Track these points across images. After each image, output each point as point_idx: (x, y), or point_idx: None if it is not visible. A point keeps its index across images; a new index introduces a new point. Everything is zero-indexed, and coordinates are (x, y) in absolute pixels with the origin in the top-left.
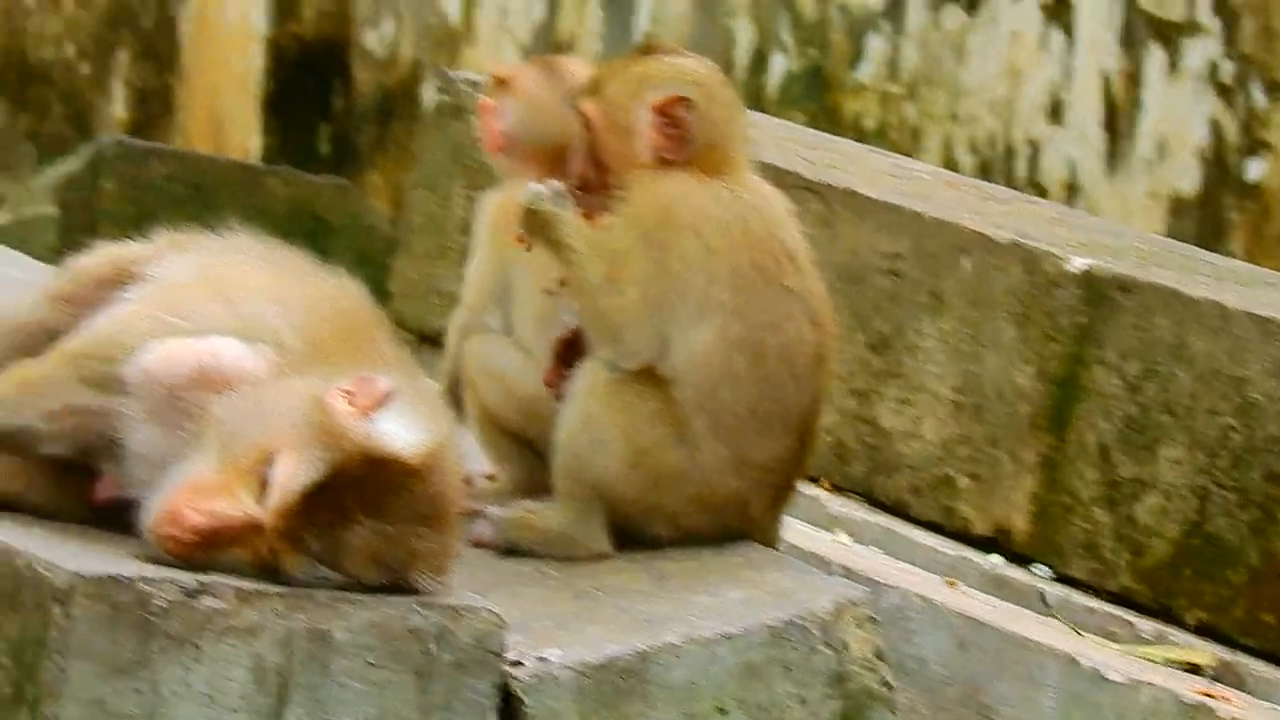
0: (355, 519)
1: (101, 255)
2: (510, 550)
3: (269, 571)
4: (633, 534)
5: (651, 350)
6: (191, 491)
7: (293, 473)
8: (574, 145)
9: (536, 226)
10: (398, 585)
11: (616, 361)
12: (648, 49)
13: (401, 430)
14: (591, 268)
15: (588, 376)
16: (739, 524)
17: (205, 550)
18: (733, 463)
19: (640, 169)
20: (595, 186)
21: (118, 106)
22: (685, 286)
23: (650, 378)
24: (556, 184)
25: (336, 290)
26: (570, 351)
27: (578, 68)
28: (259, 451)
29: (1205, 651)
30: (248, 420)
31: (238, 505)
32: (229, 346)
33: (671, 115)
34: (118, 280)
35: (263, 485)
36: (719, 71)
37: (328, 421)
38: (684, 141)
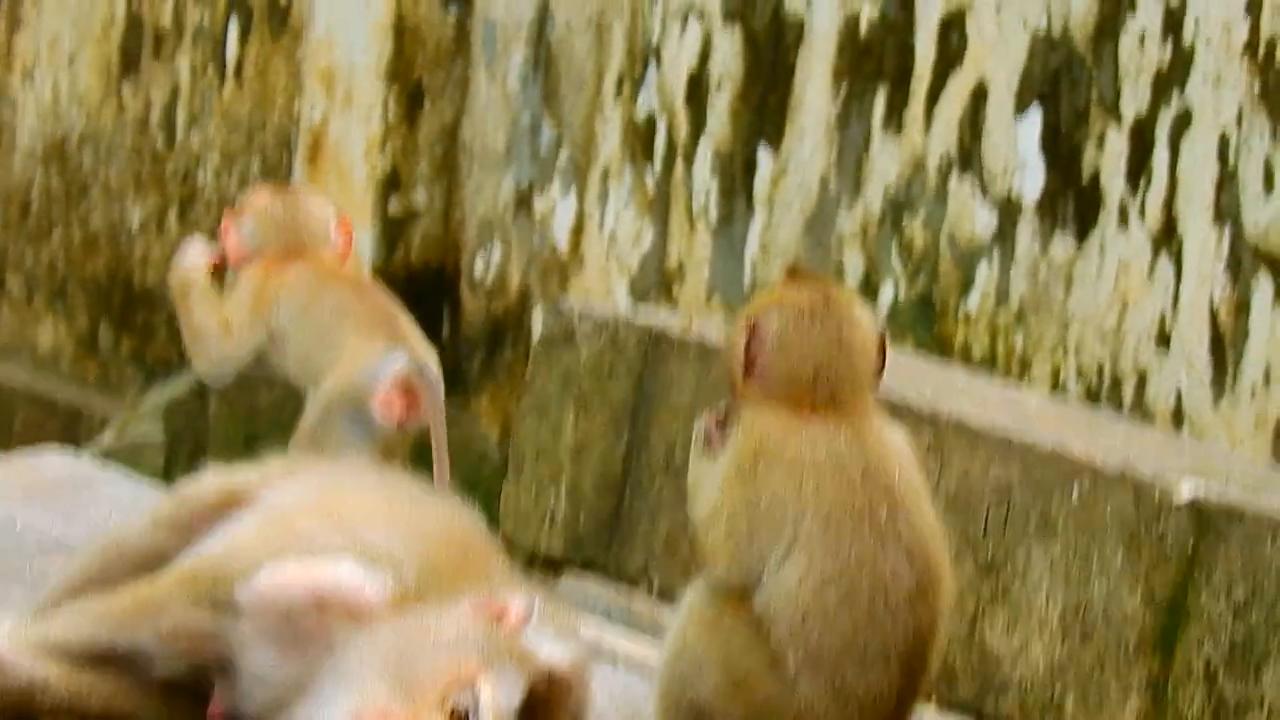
0: None
1: (212, 480)
2: None
3: None
4: None
5: (742, 580)
6: None
7: (499, 698)
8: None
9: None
10: None
11: (717, 584)
12: (790, 274)
13: (560, 646)
14: (698, 499)
15: (690, 601)
16: None
17: None
18: (830, 696)
19: (749, 399)
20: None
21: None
22: (775, 523)
23: (749, 608)
24: (707, 419)
25: (449, 515)
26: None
27: (316, 201)
28: (444, 679)
29: None
30: (416, 651)
31: None
32: (347, 570)
33: (749, 344)
34: (229, 505)
35: (451, 713)
36: (831, 306)
37: (514, 644)
38: (756, 368)
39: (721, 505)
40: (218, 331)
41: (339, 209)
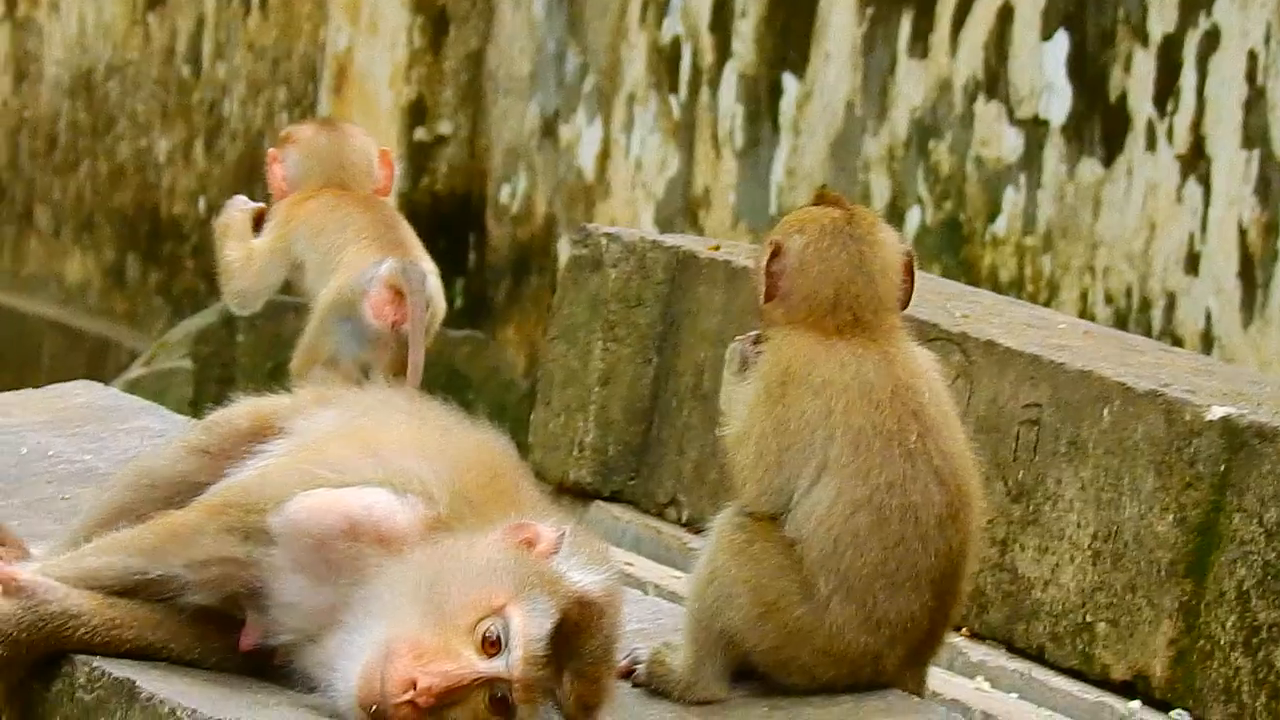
0: (565, 664)
1: (243, 408)
2: (644, 685)
3: None
4: (773, 683)
5: (773, 503)
6: (414, 656)
7: (529, 626)
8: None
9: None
10: None
11: (746, 509)
12: (817, 199)
13: (590, 574)
14: (729, 422)
15: (719, 527)
16: (873, 678)
17: (437, 713)
18: (862, 620)
19: (775, 323)
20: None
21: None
22: (804, 446)
23: (779, 532)
24: (741, 341)
25: (479, 442)
26: None
27: (359, 134)
28: (473, 609)
29: None
30: (447, 580)
31: (466, 664)
32: (379, 498)
33: (771, 265)
34: (260, 433)
35: (483, 641)
36: (854, 227)
37: (545, 572)
38: (779, 291)
39: (750, 429)
40: (242, 264)
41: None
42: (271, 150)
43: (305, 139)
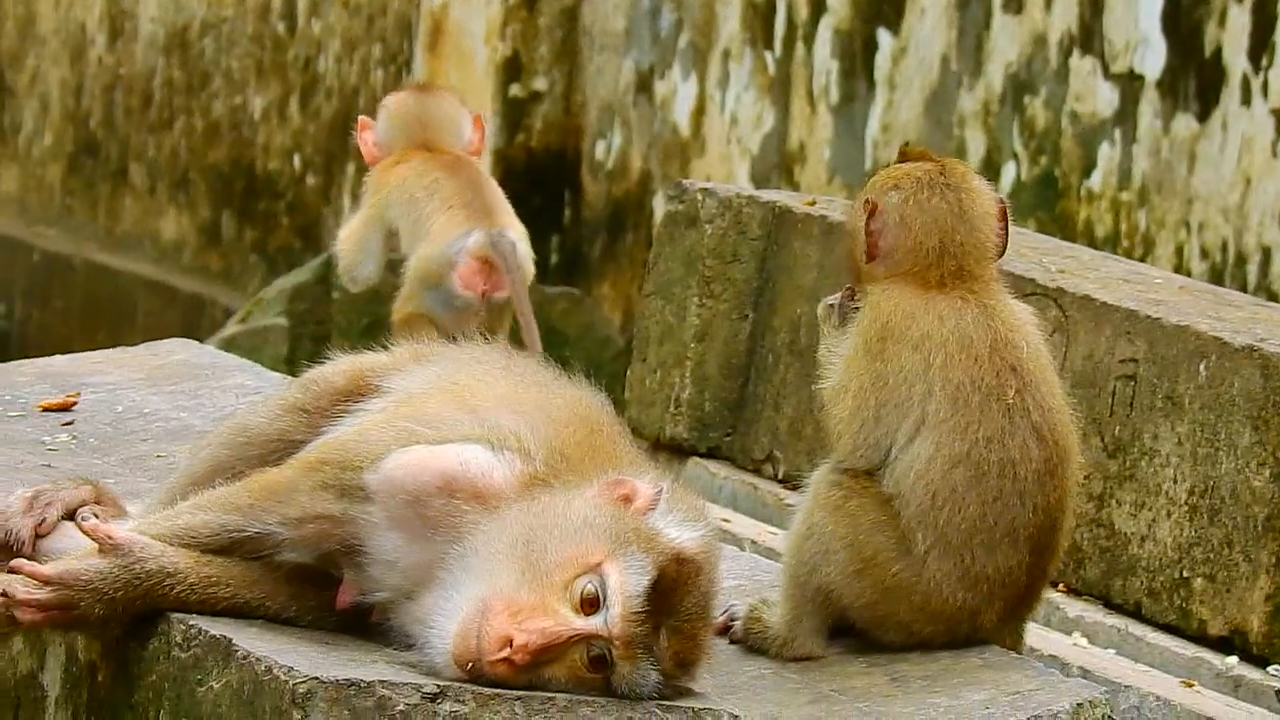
0: (662, 620)
1: (340, 366)
2: (741, 642)
3: (580, 683)
4: (869, 639)
5: (868, 458)
6: (511, 613)
7: (627, 583)
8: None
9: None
10: (687, 685)
11: (841, 465)
12: (903, 156)
13: (687, 530)
14: (826, 376)
15: (816, 483)
16: (971, 633)
17: (533, 671)
18: (959, 576)
19: (874, 279)
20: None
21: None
22: (902, 401)
23: (876, 488)
24: (836, 296)
25: (576, 398)
26: None
27: (449, 99)
28: (570, 566)
29: None
30: (544, 537)
31: (563, 621)
32: (476, 455)
33: (869, 224)
34: (357, 391)
35: (580, 598)
36: (949, 177)
37: (642, 528)
38: (880, 250)
39: (848, 383)
40: (343, 243)
41: (473, 109)
42: (362, 118)
43: (393, 104)
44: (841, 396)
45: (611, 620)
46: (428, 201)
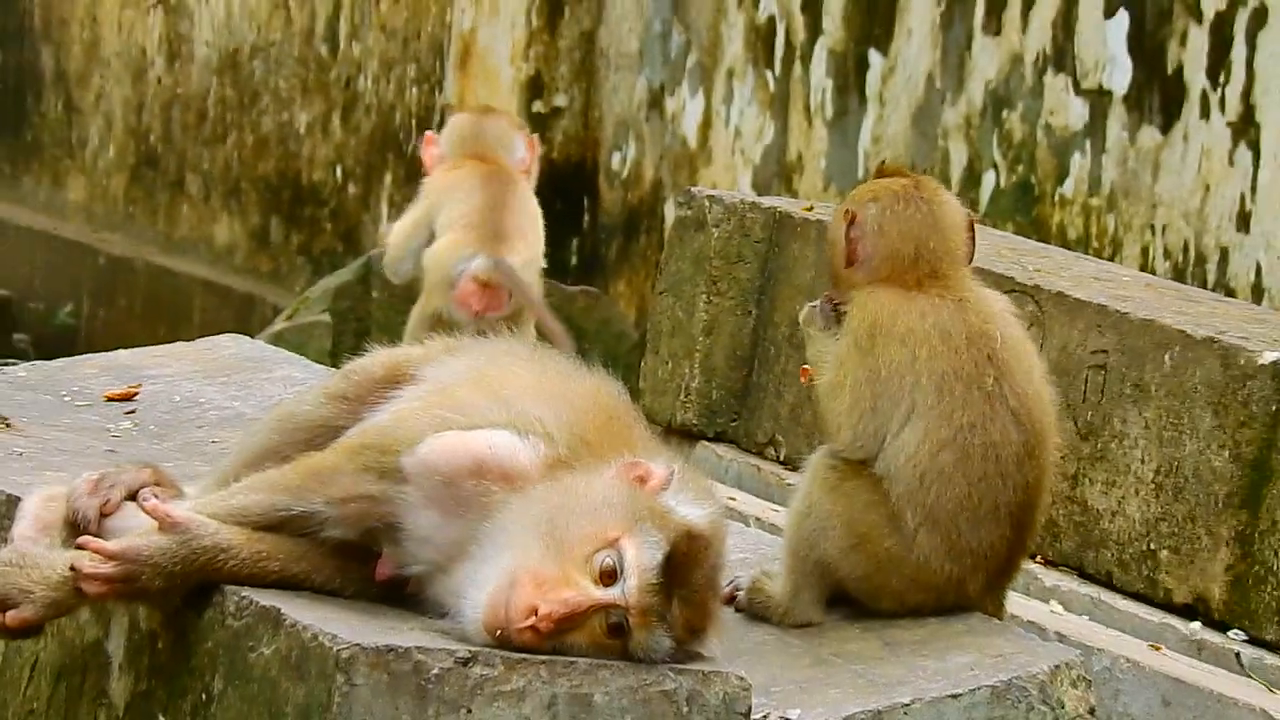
0: (674, 591)
1: (378, 358)
2: (746, 610)
3: (600, 649)
4: (864, 608)
5: (866, 448)
6: (536, 585)
7: (642, 557)
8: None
9: (805, 341)
10: (697, 650)
11: (840, 453)
12: (880, 172)
13: (697, 508)
14: (821, 374)
15: (814, 466)
16: (957, 602)
17: (557, 637)
18: (946, 549)
19: (853, 284)
20: (841, 301)
21: (384, 224)
22: (893, 392)
23: (868, 471)
24: (818, 302)
25: (596, 387)
26: None
27: (504, 119)
28: (590, 541)
29: None
30: (566, 514)
31: (584, 592)
32: (503, 439)
33: (848, 232)
34: (394, 380)
35: (599, 570)
36: (921, 190)
37: (656, 506)
38: (859, 256)
39: (843, 379)
40: (394, 238)
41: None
42: (428, 133)
43: (455, 121)
44: (838, 392)
45: (628, 591)
46: (448, 215)
